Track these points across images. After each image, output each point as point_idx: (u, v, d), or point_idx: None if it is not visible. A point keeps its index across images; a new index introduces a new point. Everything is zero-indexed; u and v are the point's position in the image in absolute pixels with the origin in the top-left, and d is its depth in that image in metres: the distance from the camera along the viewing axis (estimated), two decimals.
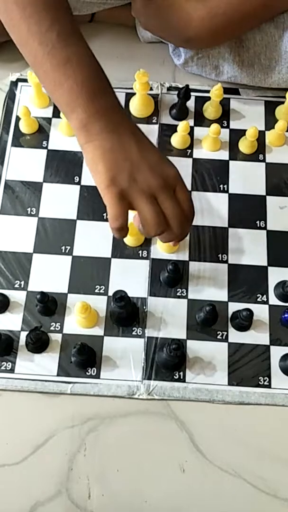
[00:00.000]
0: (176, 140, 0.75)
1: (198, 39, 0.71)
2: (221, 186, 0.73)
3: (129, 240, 0.69)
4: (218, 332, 0.65)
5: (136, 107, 0.76)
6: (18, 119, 0.76)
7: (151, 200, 0.56)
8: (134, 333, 0.65)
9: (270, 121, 0.77)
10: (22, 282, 0.67)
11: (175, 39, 0.75)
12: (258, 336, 0.65)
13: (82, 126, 0.57)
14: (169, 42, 0.79)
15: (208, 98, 0.76)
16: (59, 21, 0.56)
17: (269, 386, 0.63)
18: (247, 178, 0.74)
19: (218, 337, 0.65)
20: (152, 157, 0.57)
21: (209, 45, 0.74)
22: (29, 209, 0.71)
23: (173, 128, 0.75)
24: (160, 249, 0.69)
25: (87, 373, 0.63)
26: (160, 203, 0.56)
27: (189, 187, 0.73)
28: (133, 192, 0.56)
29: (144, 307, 0.66)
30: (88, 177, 0.72)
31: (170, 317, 0.66)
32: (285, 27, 0.73)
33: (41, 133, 0.76)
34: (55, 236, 0.70)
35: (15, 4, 0.55)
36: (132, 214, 0.59)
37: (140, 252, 0.69)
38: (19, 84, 0.79)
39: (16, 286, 0.67)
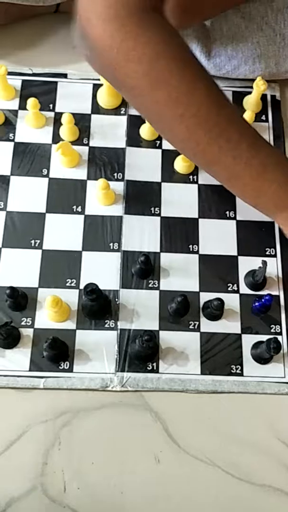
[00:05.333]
0: (145, 131, 0.75)
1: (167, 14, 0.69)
2: (191, 177, 0.74)
3: None
4: (190, 322, 0.66)
5: (104, 98, 0.76)
6: None
7: None
8: (106, 325, 0.65)
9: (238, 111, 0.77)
10: None
11: None
12: (229, 325, 0.66)
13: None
14: None
15: None
16: (245, 132, 0.57)
17: (241, 374, 0.64)
18: None
19: (190, 327, 0.65)
20: None
21: (178, 22, 0.73)
22: None
23: (142, 119, 0.75)
24: (99, 203, 0.71)
25: (60, 367, 0.62)
26: None
27: (158, 178, 0.73)
28: None
29: (116, 300, 0.66)
30: (56, 170, 0.72)
31: (142, 308, 0.66)
32: (252, 18, 0.74)
33: (8, 126, 0.74)
34: (24, 230, 0.69)
35: (201, 129, 0.55)
36: None
37: (111, 244, 0.69)
38: None
39: None
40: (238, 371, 0.64)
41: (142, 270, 0.67)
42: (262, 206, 0.62)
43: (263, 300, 0.65)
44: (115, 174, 0.73)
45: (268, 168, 0.58)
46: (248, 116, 0.74)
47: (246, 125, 0.59)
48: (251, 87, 0.76)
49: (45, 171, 0.72)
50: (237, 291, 0.68)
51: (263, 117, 0.78)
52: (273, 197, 0.59)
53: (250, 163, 0.57)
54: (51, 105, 0.76)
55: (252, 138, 0.58)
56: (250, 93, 0.77)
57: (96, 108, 0.76)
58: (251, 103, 0.77)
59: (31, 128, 0.74)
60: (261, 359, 0.64)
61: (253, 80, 0.76)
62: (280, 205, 0.60)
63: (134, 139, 0.75)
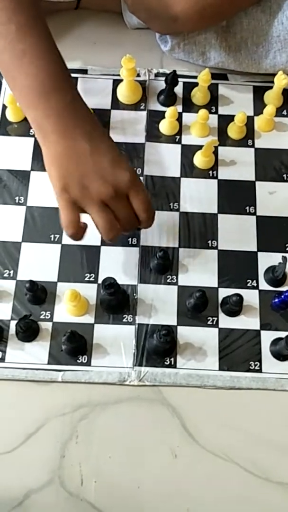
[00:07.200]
0: (165, 127, 0.75)
1: (185, 18, 0.69)
2: (210, 172, 0.73)
3: None
4: (208, 318, 0.65)
5: (124, 94, 0.76)
6: (4, 107, 0.75)
7: (102, 208, 0.57)
8: (124, 320, 0.65)
9: (259, 106, 0.77)
10: (12, 271, 0.67)
11: (162, 19, 0.72)
12: (248, 321, 0.65)
13: (36, 125, 0.57)
14: (156, 29, 0.78)
15: (196, 84, 0.76)
16: (21, 13, 0.54)
17: (260, 371, 0.63)
18: (236, 164, 0.74)
19: (209, 322, 0.65)
20: (105, 162, 0.56)
21: (196, 26, 0.72)
22: (17, 198, 0.71)
23: (161, 115, 0.75)
24: None
25: (78, 361, 0.63)
26: (112, 209, 0.57)
27: (177, 173, 0.73)
28: (84, 201, 0.56)
29: (135, 294, 0.66)
30: None
31: (160, 303, 0.66)
32: (272, 11, 0.73)
33: (28, 122, 0.75)
34: (43, 225, 0.69)
35: None
36: None
37: (130, 239, 0.69)
38: None
39: (5, 275, 0.66)
40: (256, 368, 0.63)
41: (160, 265, 0.67)
42: (15, 96, 0.57)
43: (282, 296, 0.64)
44: (134, 169, 0.73)
45: (26, 57, 0.54)
46: (269, 110, 0.73)
47: (30, 9, 0.55)
48: (272, 82, 0.75)
49: None
50: (256, 287, 0.67)
51: (284, 112, 0.77)
52: (19, 89, 0.55)
53: (12, 45, 0.54)
54: None
55: (29, 24, 0.54)
56: (271, 87, 0.76)
57: (116, 104, 0.77)
58: (272, 98, 0.77)
59: None
60: (280, 356, 0.63)
61: (274, 74, 0.75)
62: (25, 102, 0.56)
63: (153, 134, 0.75)
